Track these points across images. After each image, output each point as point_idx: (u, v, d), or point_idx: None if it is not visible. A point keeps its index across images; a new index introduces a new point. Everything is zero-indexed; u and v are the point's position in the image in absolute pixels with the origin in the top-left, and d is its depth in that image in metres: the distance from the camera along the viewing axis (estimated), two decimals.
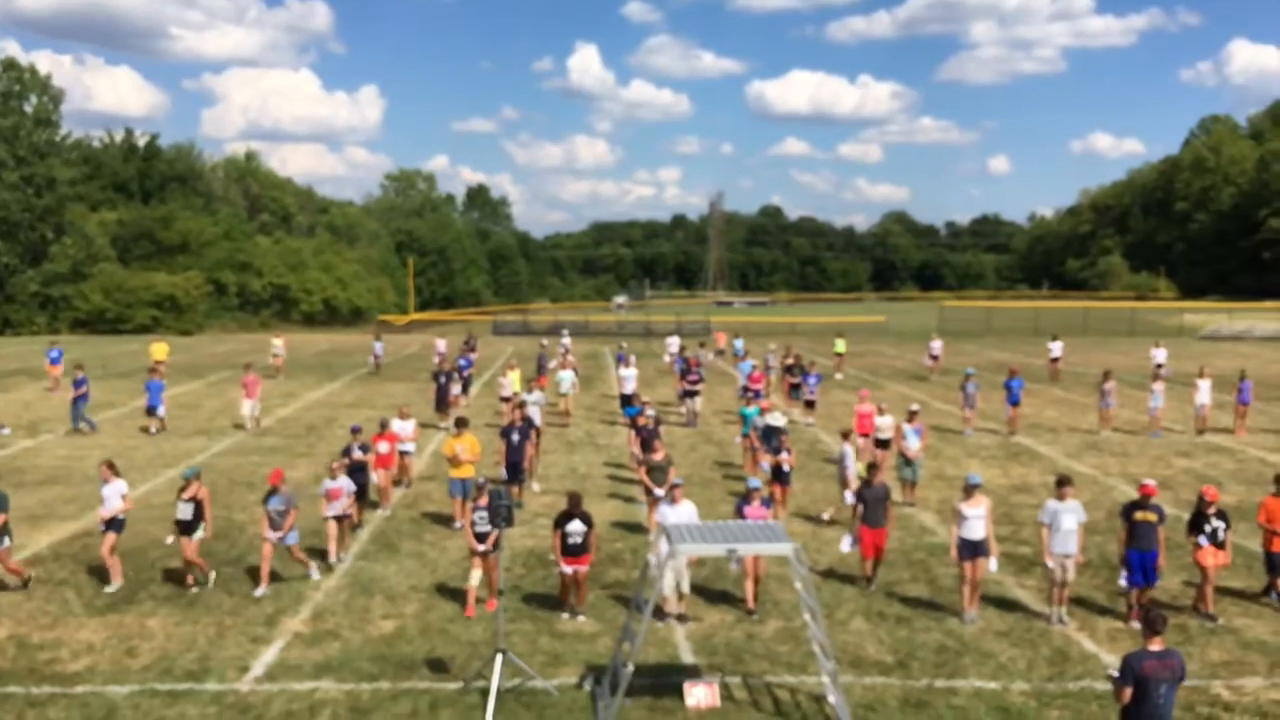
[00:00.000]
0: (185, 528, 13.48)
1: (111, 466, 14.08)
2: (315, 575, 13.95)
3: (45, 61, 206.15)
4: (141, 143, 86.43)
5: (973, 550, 12.58)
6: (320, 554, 14.60)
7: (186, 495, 13.57)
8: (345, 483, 14.64)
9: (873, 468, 14.05)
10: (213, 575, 13.84)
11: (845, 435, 17.64)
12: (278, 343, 39.42)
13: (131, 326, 64.57)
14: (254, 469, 21.05)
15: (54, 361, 32.92)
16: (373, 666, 11.16)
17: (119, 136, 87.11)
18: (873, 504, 13.54)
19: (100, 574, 13.83)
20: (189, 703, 10.25)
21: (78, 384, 25.40)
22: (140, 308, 66.13)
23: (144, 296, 66.56)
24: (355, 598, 13.38)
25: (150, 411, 25.12)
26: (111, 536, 13.70)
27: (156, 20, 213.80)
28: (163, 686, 10.61)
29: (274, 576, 13.72)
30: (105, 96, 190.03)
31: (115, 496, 13.78)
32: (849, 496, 16.59)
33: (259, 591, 13.34)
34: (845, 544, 14.42)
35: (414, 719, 10.00)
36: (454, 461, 16.39)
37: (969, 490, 12.76)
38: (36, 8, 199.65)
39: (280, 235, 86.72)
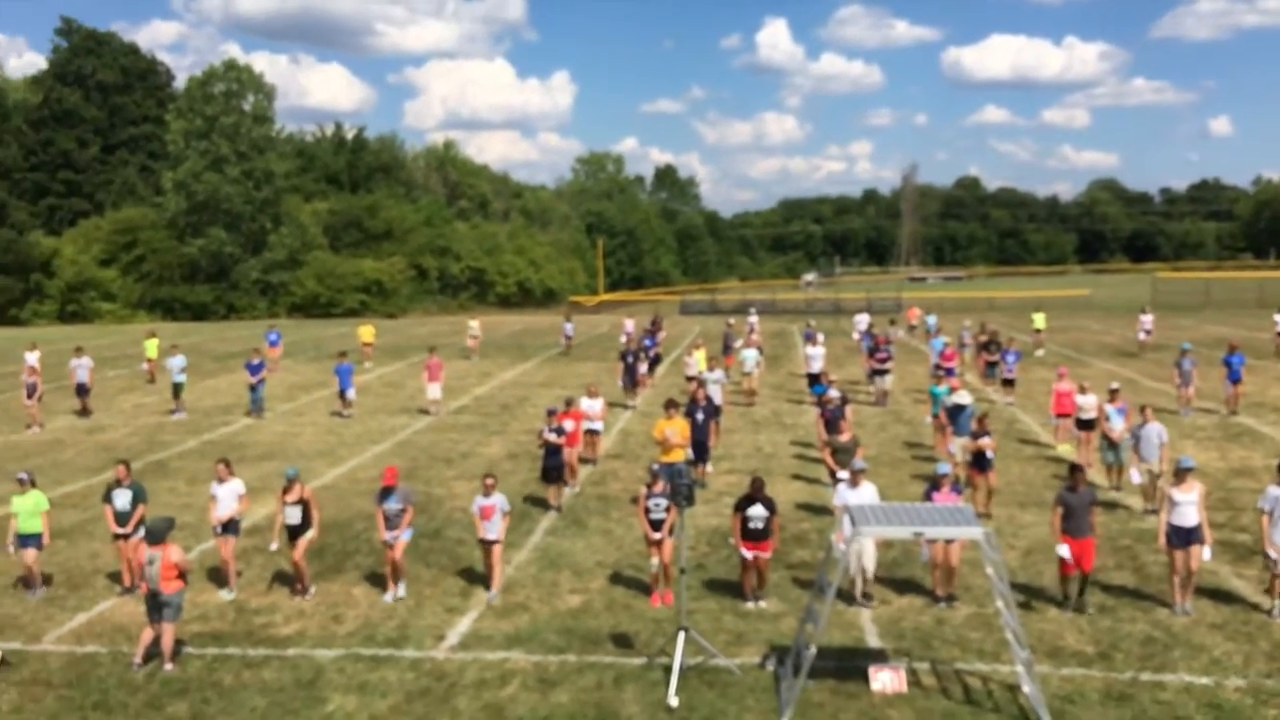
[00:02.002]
0: (292, 532, 12.63)
1: (228, 465, 13.17)
2: (390, 599, 12.72)
3: (263, 62, 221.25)
4: (350, 135, 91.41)
5: (1184, 538, 11.79)
6: (476, 576, 13.34)
7: (292, 498, 12.63)
8: (500, 500, 12.67)
9: (1076, 470, 12.37)
10: (312, 590, 12.98)
11: (1142, 409, 16.25)
12: (474, 324, 40.91)
13: (342, 310, 68.30)
14: (451, 446, 21.90)
15: (272, 344, 35.09)
16: (560, 639, 11.43)
17: (329, 130, 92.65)
18: (1077, 510, 11.91)
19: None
20: (389, 668, 10.77)
21: (254, 369, 26.07)
22: (349, 292, 69.84)
23: (353, 282, 70.25)
24: (544, 572, 13.73)
25: (341, 395, 25.94)
26: (231, 540, 12.96)
27: (363, 18, 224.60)
28: (365, 652, 11.19)
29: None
30: (318, 93, 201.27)
31: (231, 497, 12.91)
32: (1133, 476, 15.75)
33: (388, 596, 12.72)
34: (1064, 549, 12.04)
35: (599, 692, 10.18)
36: (664, 445, 16.20)
37: (1181, 474, 11.96)
38: (255, 12, 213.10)
39: (477, 220, 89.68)
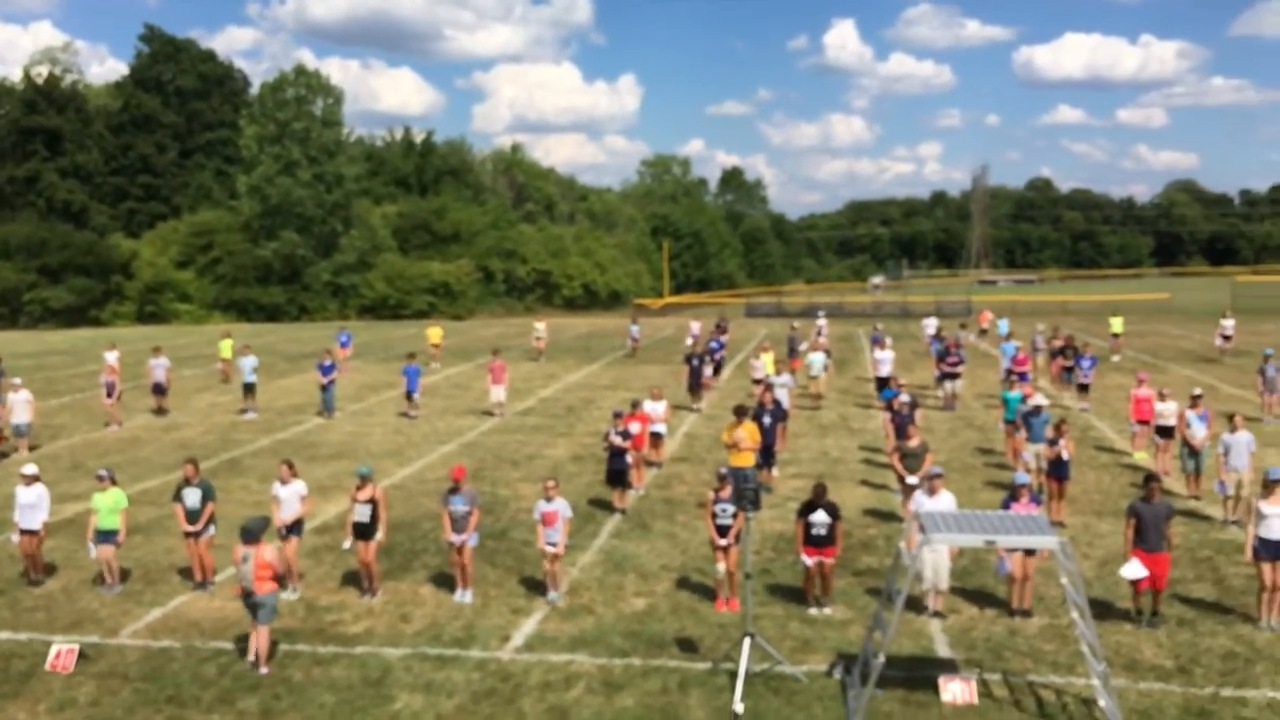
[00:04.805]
0: (362, 531, 12.57)
1: (291, 467, 13.08)
2: (459, 599, 12.70)
3: (335, 67, 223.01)
4: (419, 139, 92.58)
5: (1273, 551, 11.40)
6: (541, 579, 13.17)
7: (363, 496, 12.59)
8: (562, 505, 12.46)
9: (1151, 480, 11.85)
10: (380, 589, 12.97)
11: (1231, 417, 15.67)
12: (540, 326, 41.11)
13: (410, 312, 69.15)
14: (518, 447, 22.00)
15: (343, 345, 35.57)
16: (625, 643, 11.39)
17: (399, 134, 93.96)
18: (1151, 522, 11.49)
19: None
20: (455, 668, 10.81)
21: (325, 369, 26.30)
22: (417, 294, 70.70)
23: (421, 284, 71.11)
24: (609, 575, 13.70)
25: (408, 396, 26.13)
26: (294, 541, 12.98)
27: (432, 23, 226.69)
28: (432, 651, 11.25)
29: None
30: (389, 97, 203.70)
31: (295, 499, 12.94)
32: (1219, 487, 15.32)
33: (458, 596, 12.72)
34: (1130, 569, 11.40)
35: (664, 696, 10.12)
36: (734, 449, 16.05)
37: (1269, 485, 11.57)
38: (327, 18, 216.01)
39: (543, 223, 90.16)
